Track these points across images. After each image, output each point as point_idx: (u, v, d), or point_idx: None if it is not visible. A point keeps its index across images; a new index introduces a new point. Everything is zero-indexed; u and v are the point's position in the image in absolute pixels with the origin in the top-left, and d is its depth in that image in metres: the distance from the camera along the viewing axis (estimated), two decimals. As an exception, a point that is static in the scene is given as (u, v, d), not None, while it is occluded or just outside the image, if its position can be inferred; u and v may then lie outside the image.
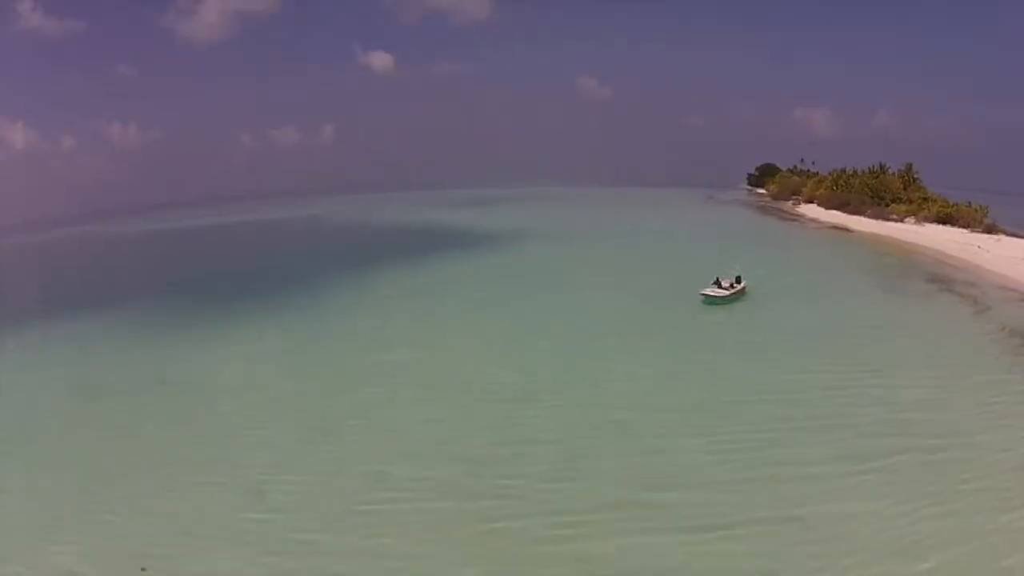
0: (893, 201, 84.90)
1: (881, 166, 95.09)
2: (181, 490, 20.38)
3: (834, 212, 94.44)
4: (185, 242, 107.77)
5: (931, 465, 20.00)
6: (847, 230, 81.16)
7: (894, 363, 29.71)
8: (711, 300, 41.51)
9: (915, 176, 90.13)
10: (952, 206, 74.70)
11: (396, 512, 18.62)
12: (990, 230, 64.85)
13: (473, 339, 36.80)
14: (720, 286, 42.50)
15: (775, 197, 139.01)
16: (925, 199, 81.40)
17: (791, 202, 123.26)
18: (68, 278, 73.99)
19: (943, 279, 48.22)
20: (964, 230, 67.24)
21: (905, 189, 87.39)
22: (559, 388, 28.09)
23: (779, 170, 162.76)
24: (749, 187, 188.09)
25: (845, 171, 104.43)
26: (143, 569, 16.31)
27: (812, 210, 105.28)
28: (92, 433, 25.67)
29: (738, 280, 43.84)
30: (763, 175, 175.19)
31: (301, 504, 19.30)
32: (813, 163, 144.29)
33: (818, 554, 15.97)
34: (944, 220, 72.53)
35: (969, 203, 73.36)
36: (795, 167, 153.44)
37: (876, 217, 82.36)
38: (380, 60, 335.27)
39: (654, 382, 28.52)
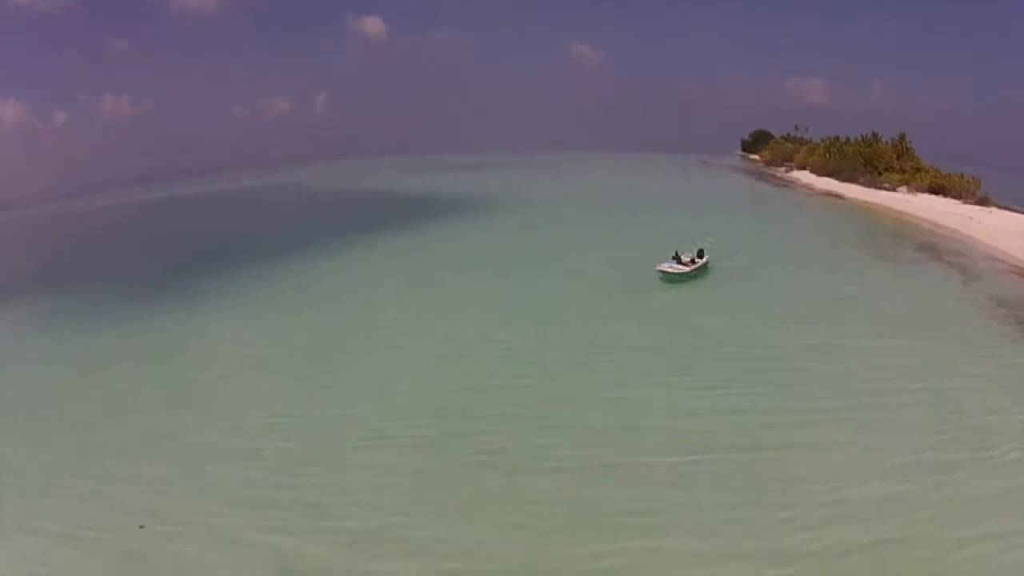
0: (886, 170, 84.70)
1: (874, 135, 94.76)
2: (178, 449, 20.75)
3: (826, 179, 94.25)
4: (177, 212, 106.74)
5: (905, 414, 20.94)
6: (839, 197, 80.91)
7: (876, 325, 30.20)
8: (669, 277, 37.88)
9: (908, 146, 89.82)
10: (945, 177, 74.28)
11: (388, 455, 19.62)
12: (982, 202, 64.58)
13: (461, 299, 37.47)
14: (679, 261, 38.94)
15: (768, 163, 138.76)
16: (918, 169, 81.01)
17: (783, 168, 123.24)
18: (60, 251, 73.50)
19: (933, 248, 48.16)
20: (956, 201, 66.91)
21: (898, 159, 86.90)
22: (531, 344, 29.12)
23: (772, 137, 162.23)
24: (743, 153, 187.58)
25: (838, 139, 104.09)
26: (141, 526, 16.47)
27: (804, 176, 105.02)
28: (89, 398, 25.91)
29: (700, 254, 40.46)
30: (756, 141, 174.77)
31: (297, 458, 19.73)
32: (807, 130, 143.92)
33: (786, 480, 17.31)
34: (936, 190, 72.17)
35: (962, 174, 73.36)
36: (788, 134, 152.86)
37: (868, 185, 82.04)
38: (372, 26, 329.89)
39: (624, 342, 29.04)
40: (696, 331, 30.49)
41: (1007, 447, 18.36)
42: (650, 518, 15.98)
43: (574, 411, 21.97)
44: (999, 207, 62.37)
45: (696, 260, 39.77)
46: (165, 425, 22.65)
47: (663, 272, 38.04)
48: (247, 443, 20.91)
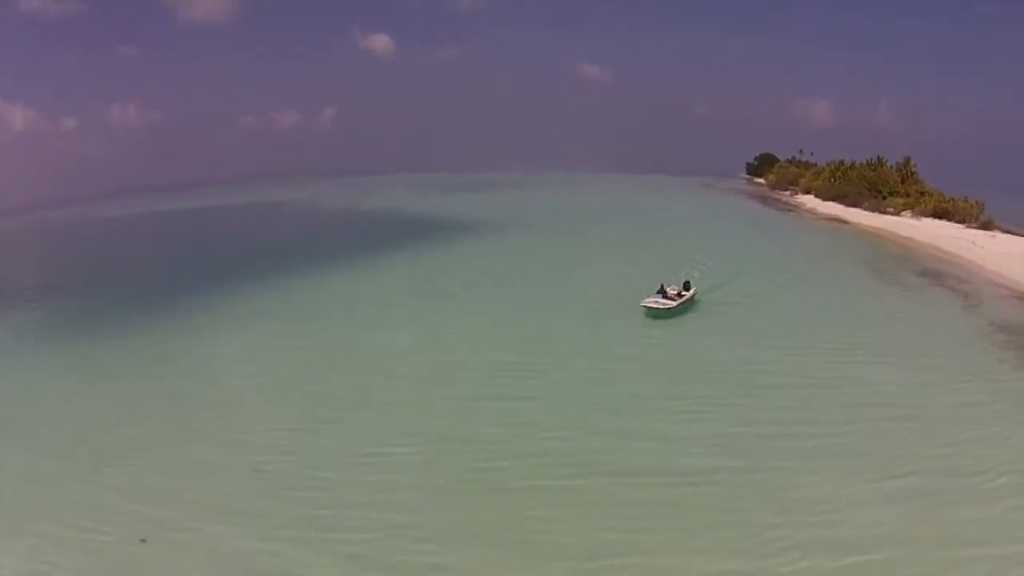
0: (890, 194, 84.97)
1: (879, 159, 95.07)
2: (183, 464, 20.80)
3: (831, 203, 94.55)
4: (185, 223, 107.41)
5: (900, 436, 21.21)
6: (843, 222, 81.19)
7: (874, 350, 30.24)
8: (655, 313, 35.58)
9: (912, 170, 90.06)
10: (948, 201, 74.57)
11: (391, 469, 20.03)
12: (985, 226, 64.80)
13: (465, 318, 37.66)
14: (665, 295, 36.53)
15: (773, 187, 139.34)
16: (922, 193, 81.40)
17: (788, 192, 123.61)
18: (67, 260, 73.99)
19: (936, 274, 48.39)
20: (960, 225, 67.31)
21: (903, 183, 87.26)
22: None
23: (778, 160, 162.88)
24: (748, 176, 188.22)
25: (843, 163, 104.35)
26: (143, 540, 16.51)
27: (809, 201, 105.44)
28: (94, 410, 25.95)
29: (687, 286, 38.26)
30: (762, 165, 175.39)
31: (299, 469, 20.09)
32: (812, 154, 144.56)
33: (777, 499, 17.71)
34: (940, 215, 72.47)
35: (966, 198, 73.42)
36: (793, 158, 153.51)
37: (873, 210, 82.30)
38: (380, 43, 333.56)
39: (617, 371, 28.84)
40: (689, 354, 30.90)
41: (1000, 470, 18.66)
42: (640, 535, 16.29)
43: (567, 431, 22.33)
44: (1002, 231, 62.45)
45: (683, 293, 37.55)
46: (168, 435, 22.96)
47: (647, 308, 35.83)
48: (251, 454, 21.24)
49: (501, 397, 25.30)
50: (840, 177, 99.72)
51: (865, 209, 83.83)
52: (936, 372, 27.00)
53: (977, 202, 70.81)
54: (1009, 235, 60.46)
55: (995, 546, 15.28)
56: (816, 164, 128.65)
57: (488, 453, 20.67)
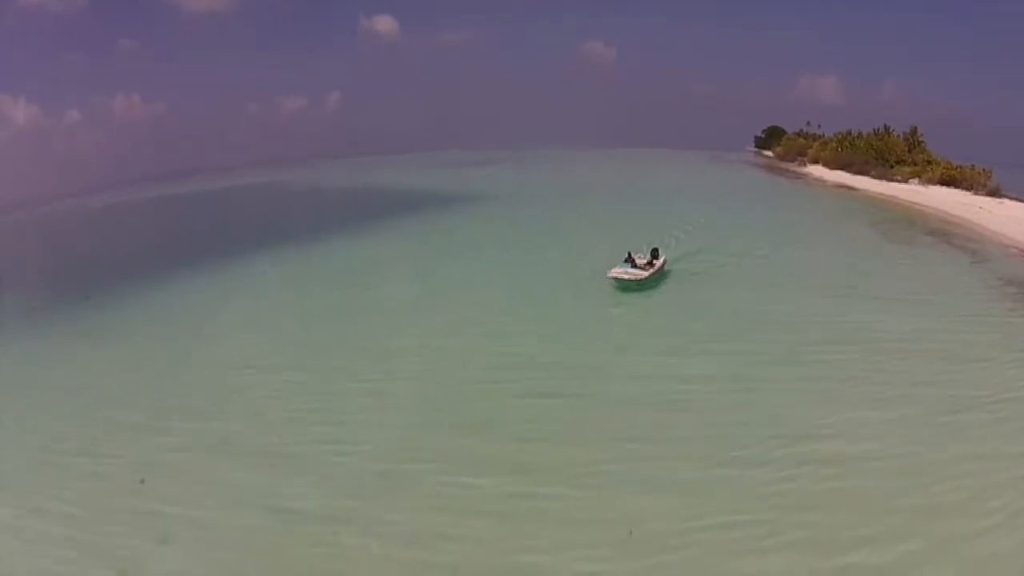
0: (897, 163, 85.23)
1: (886, 128, 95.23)
2: (182, 413, 21.33)
3: (839, 172, 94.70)
4: (188, 206, 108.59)
5: (902, 363, 22.20)
6: (851, 189, 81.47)
7: (879, 297, 30.98)
8: (624, 285, 32.63)
9: (920, 139, 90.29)
10: (956, 168, 74.72)
11: (386, 410, 20.76)
12: (993, 193, 65.00)
13: (461, 278, 38.64)
14: (634, 264, 33.76)
15: (781, 158, 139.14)
16: (929, 161, 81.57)
17: (796, 163, 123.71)
18: (72, 241, 76.42)
19: (944, 234, 48.83)
20: (967, 192, 67.62)
21: (910, 152, 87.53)
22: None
23: (785, 133, 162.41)
24: (756, 149, 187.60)
25: (850, 132, 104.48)
26: (142, 481, 17.00)
27: (817, 170, 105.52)
28: (96, 368, 26.99)
29: (655, 254, 35.05)
30: (770, 137, 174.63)
31: (302, 410, 20.88)
32: (819, 126, 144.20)
33: (778, 406, 18.99)
34: (948, 182, 72.59)
35: (973, 166, 73.63)
36: (801, 130, 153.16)
37: (880, 178, 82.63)
38: (385, 24, 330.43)
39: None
40: (682, 300, 32.00)
41: (1001, 388, 19.61)
42: (638, 444, 17.31)
43: (560, 365, 23.53)
44: (1010, 198, 62.75)
45: (654, 262, 34.57)
46: (168, 393, 23.49)
47: (616, 279, 32.93)
48: (251, 399, 22.06)
49: (496, 338, 26.68)
50: (848, 146, 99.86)
51: (873, 177, 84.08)
52: (942, 314, 27.83)
53: (985, 170, 70.72)
54: (1017, 202, 60.89)
55: (986, 455, 15.98)
56: (824, 136, 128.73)
57: (484, 381, 21.97)
